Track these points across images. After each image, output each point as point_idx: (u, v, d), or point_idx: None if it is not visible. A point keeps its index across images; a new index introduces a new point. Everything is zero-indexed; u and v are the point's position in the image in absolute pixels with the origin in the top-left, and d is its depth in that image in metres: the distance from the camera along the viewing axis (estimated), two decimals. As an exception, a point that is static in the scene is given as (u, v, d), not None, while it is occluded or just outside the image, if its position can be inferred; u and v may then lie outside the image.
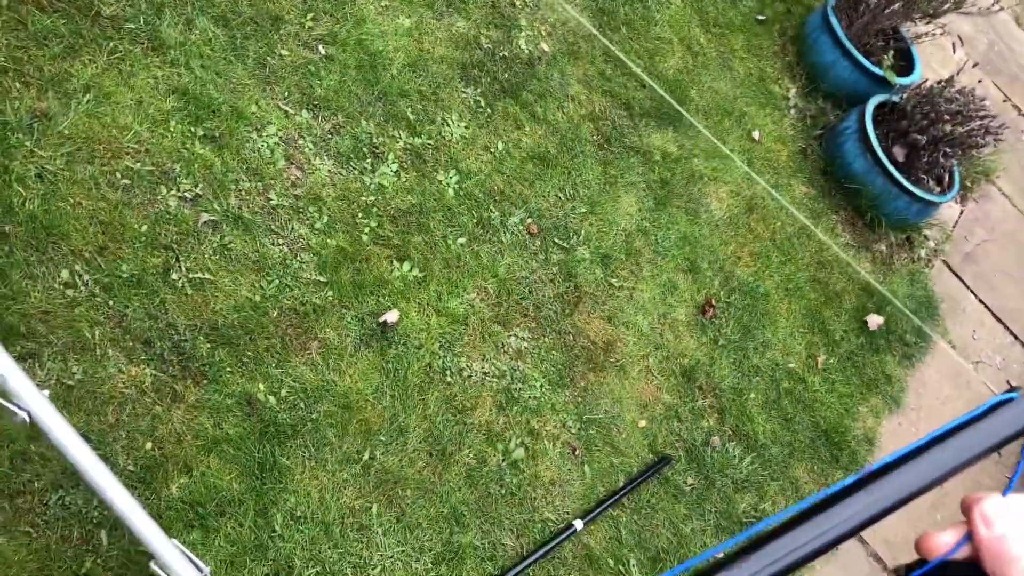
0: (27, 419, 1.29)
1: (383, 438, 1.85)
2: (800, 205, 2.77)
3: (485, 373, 2.03)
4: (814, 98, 3.03)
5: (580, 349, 2.17)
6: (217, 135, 2.00)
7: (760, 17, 3.16)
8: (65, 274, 1.73)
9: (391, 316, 1.99)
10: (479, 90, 2.43)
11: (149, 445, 1.65)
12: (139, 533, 1.42)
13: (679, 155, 2.60)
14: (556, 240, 2.29)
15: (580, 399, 2.11)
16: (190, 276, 1.83)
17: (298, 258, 1.96)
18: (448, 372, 1.99)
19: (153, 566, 1.45)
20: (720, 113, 2.80)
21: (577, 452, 2.04)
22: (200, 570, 1.50)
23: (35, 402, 1.30)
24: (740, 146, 2.77)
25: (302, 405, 1.81)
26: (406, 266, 2.07)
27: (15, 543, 1.49)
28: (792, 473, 2.29)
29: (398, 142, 2.23)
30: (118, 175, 1.86)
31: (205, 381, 1.75)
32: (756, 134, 2.83)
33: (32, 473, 1.54)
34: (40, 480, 1.54)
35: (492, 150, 2.35)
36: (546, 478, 1.97)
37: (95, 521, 1.54)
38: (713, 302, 2.40)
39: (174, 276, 1.81)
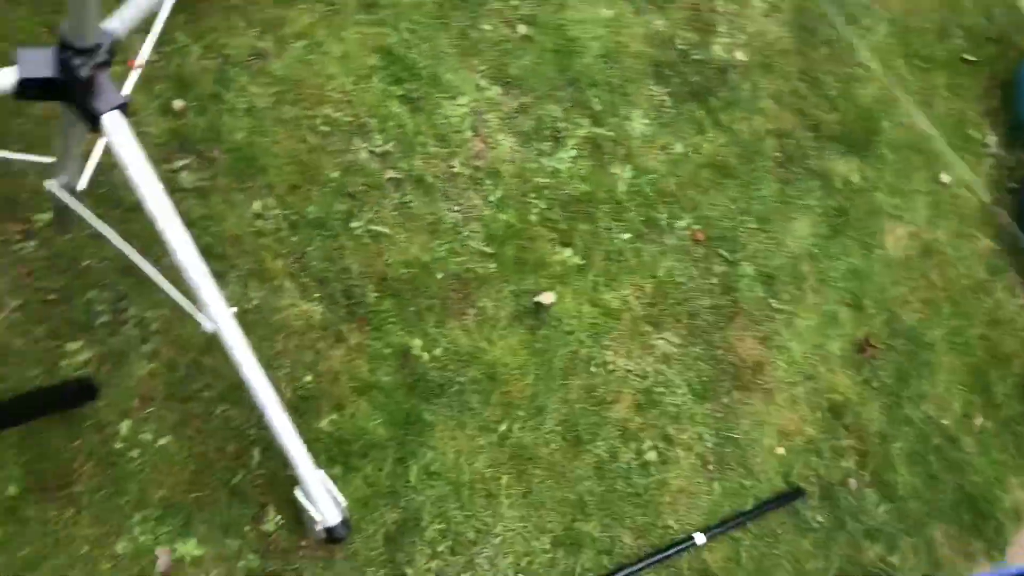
0: (213, 331, 1.38)
1: (522, 413, 1.88)
2: (981, 258, 2.63)
3: (629, 371, 2.03)
4: (1015, 149, 2.87)
5: (728, 365, 2.14)
6: (413, 97, 2.08)
7: (968, 57, 3.01)
8: (257, 205, 1.84)
9: (547, 298, 2.01)
10: (667, 90, 2.42)
11: (309, 378, 1.74)
12: (292, 458, 1.50)
13: (862, 186, 2.51)
14: (721, 251, 2.26)
15: (720, 415, 2.08)
16: (369, 227, 1.91)
17: (469, 227, 2.01)
18: (593, 363, 2.00)
19: (297, 492, 1.54)
20: (910, 149, 2.69)
21: (710, 467, 2.02)
22: (338, 504, 1.57)
23: (222, 317, 1.39)
24: (926, 187, 2.65)
25: (452, 367, 1.86)
26: (568, 252, 2.09)
27: (179, 444, 1.60)
28: (928, 532, 2.18)
29: (580, 129, 2.25)
30: (318, 121, 1.97)
31: (368, 328, 1.82)
32: (945, 177, 2.70)
33: (203, 383, 1.65)
34: (209, 391, 1.65)
35: (670, 151, 2.34)
36: (674, 486, 1.96)
37: (251, 439, 1.64)
38: (873, 342, 2.31)
39: (355, 224, 1.90)
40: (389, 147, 2.00)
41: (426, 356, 1.85)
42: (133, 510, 1.52)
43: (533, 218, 2.08)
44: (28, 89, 1.24)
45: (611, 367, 2.01)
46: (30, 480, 1.47)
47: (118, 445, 1.55)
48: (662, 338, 2.10)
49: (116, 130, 1.27)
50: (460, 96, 2.13)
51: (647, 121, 2.35)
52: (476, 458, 1.80)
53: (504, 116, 2.17)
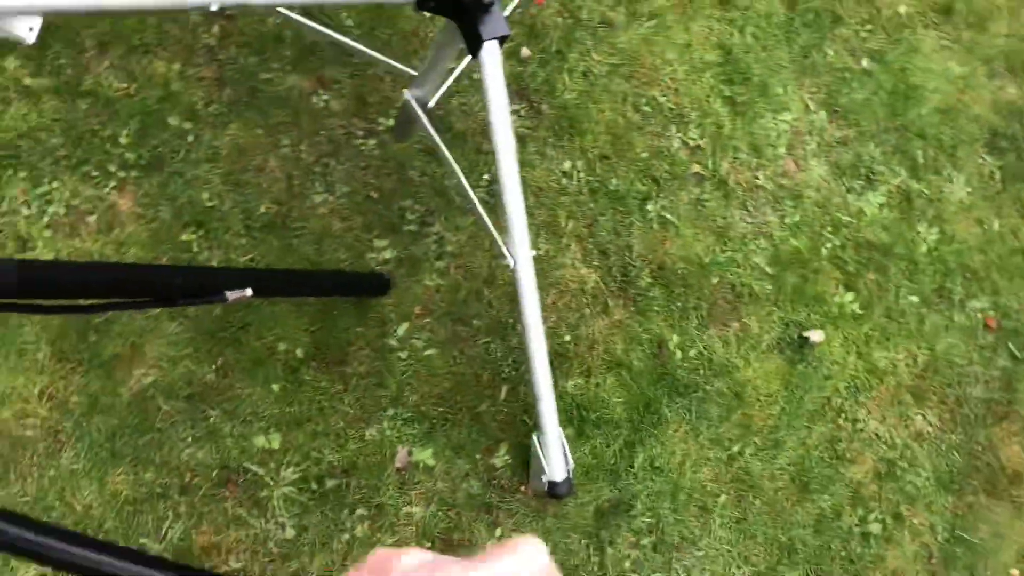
0: (511, 267, 1.45)
1: (758, 441, 1.84)
2: None
3: (878, 435, 1.93)
4: None
5: (984, 465, 1.99)
6: (739, 101, 2.06)
7: None
8: (567, 164, 1.90)
9: (815, 335, 1.95)
10: (1000, 163, 2.25)
11: (568, 337, 1.79)
12: (542, 407, 1.55)
13: None
14: (1011, 346, 2.09)
15: (960, 513, 1.93)
16: (661, 213, 1.92)
17: (757, 242, 1.98)
18: (844, 415, 1.92)
19: (534, 439, 1.59)
20: None
21: (933, 560, 1.89)
22: (568, 464, 1.61)
23: (523, 257, 1.45)
24: None
25: (701, 372, 1.85)
26: (850, 296, 2.01)
27: (442, 359, 1.70)
28: None
29: (896, 177, 2.15)
30: (643, 101, 2.00)
31: (633, 308, 1.85)
32: None
33: (477, 311, 1.74)
34: (480, 320, 1.73)
35: (986, 226, 2.18)
36: (890, 566, 1.85)
37: (503, 376, 1.71)
38: None
39: (649, 207, 1.92)
40: (702, 143, 2.00)
41: (680, 354, 1.85)
42: (388, 405, 1.64)
43: (824, 252, 2.02)
44: (427, 1, 1.33)
45: (860, 426, 1.92)
46: (315, 349, 1.62)
47: (392, 343, 1.67)
48: (921, 414, 1.98)
49: (491, 59, 1.35)
50: (784, 112, 2.09)
51: (969, 189, 2.20)
52: (701, 468, 1.79)
53: (823, 143, 2.11)
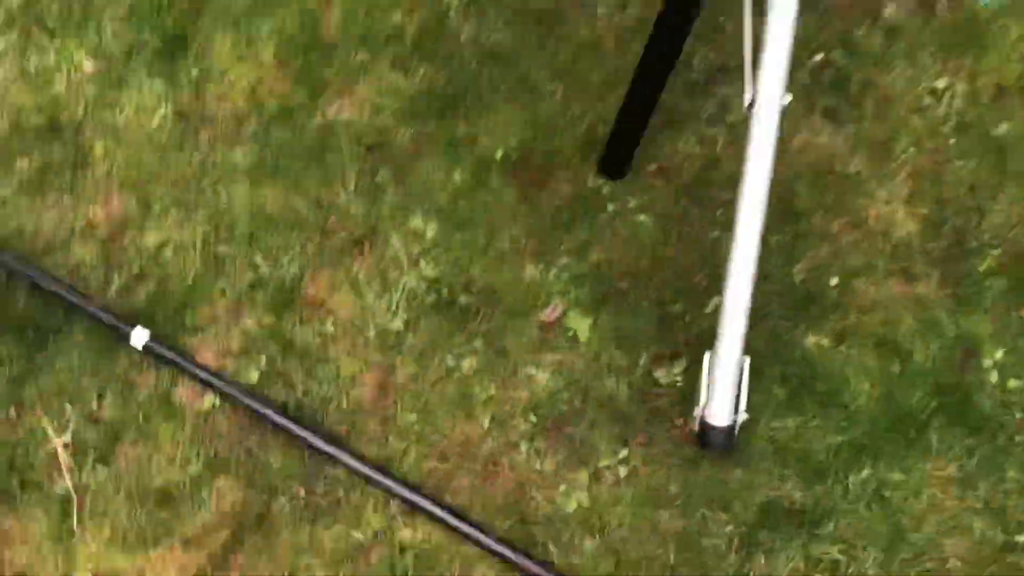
0: (747, 106, 1.08)
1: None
2: None
3: None
4: None
5: None
6: None
7: None
8: (941, 82, 1.43)
9: None
10: None
11: (834, 281, 1.35)
12: (726, 316, 1.17)
13: None
14: None
15: None
16: (1056, 190, 1.36)
17: None
18: None
19: (706, 357, 1.20)
20: None
21: None
22: (735, 409, 1.20)
23: (767, 96, 1.08)
24: None
25: (1016, 413, 1.26)
26: None
27: (654, 232, 1.37)
28: None
29: None
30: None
31: (950, 291, 1.33)
32: None
33: (724, 200, 1.36)
34: (724, 212, 1.36)
35: None
36: None
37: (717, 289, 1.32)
38: None
39: (1040, 176, 1.37)
40: None
41: (995, 376, 1.29)
42: (566, 253, 1.36)
43: None
44: None
45: None
46: (518, 157, 1.41)
47: (605, 188, 1.39)
48: None
49: None
50: None
51: None
52: (952, 533, 1.22)
53: None
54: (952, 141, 1.40)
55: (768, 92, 1.08)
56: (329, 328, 1.34)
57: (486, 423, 1.29)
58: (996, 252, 1.34)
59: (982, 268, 1.34)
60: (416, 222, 1.38)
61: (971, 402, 1.28)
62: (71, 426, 1.31)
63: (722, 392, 1.19)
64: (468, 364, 1.32)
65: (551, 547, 1.24)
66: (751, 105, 1.09)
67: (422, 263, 1.36)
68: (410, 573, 1.23)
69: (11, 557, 1.27)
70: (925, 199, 1.38)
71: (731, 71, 1.43)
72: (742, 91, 1.08)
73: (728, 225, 1.17)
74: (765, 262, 1.29)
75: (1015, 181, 1.37)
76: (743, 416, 1.21)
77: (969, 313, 1.32)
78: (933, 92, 1.43)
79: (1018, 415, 1.27)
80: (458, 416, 1.30)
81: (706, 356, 1.21)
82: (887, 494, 1.24)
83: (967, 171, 1.38)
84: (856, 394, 1.28)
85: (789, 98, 1.09)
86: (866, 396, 1.28)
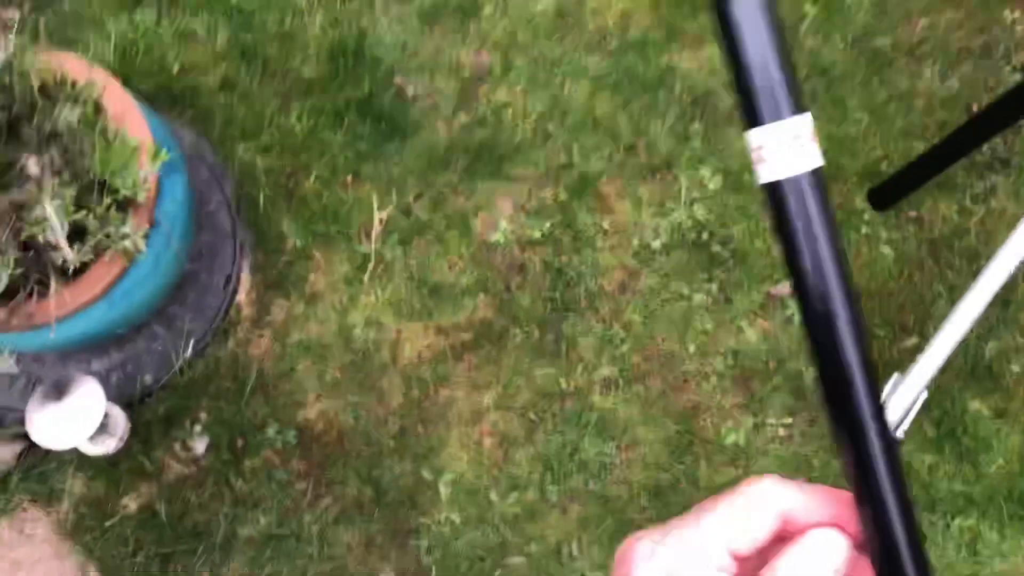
0: None
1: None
2: None
3: None
4: None
5: None
6: None
7: None
8: None
9: None
10: None
11: (1018, 368, 1.57)
12: (932, 345, 1.41)
13: None
14: None
15: None
16: None
17: None
18: None
19: (896, 374, 1.46)
20: None
21: None
22: (902, 424, 1.45)
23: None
24: None
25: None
26: None
27: (898, 264, 1.62)
28: None
29: None
30: None
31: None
32: None
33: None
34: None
35: None
36: None
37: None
38: None
39: None
40: None
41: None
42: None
43: None
44: None
45: None
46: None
47: (881, 235, 1.64)
48: None
49: None
50: None
51: None
52: (1015, 598, 1.47)
53: None
54: None
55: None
56: (605, 224, 1.66)
57: (692, 349, 1.60)
58: None
59: None
60: (705, 172, 1.67)
61: (1082, 512, 1.51)
62: (389, 208, 1.67)
63: (897, 405, 1.45)
64: (698, 299, 1.61)
65: (701, 462, 1.55)
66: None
67: (695, 206, 1.65)
68: (590, 427, 1.56)
69: (314, 280, 1.65)
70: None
71: (1011, 166, 1.65)
72: (1011, 183, 1.31)
73: (949, 286, 1.41)
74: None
75: None
76: (901, 435, 1.47)
77: (1115, 444, 1.54)
78: None
79: (1114, 539, 1.49)
80: (673, 334, 1.60)
81: (895, 375, 1.47)
82: (979, 547, 1.50)
83: None
84: (991, 461, 1.53)
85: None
86: (999, 467, 1.53)
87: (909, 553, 0.34)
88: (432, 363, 1.60)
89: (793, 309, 1.60)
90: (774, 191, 0.33)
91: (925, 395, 1.46)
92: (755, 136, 0.33)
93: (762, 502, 0.35)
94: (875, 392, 0.34)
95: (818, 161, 0.33)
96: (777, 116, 0.32)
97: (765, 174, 0.33)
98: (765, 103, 0.32)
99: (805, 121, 0.33)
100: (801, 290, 0.34)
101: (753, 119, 0.33)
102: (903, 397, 1.45)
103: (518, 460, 1.56)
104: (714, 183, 1.66)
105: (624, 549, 0.37)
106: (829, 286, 0.33)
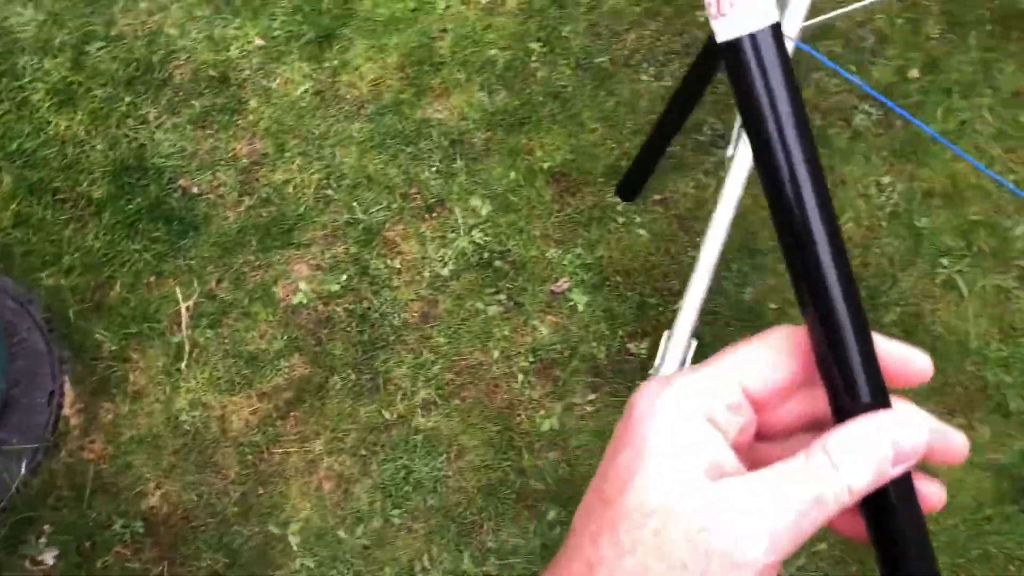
0: (730, 155, 1.54)
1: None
2: None
3: None
4: None
5: None
6: None
7: None
8: (886, 179, 1.89)
9: (1052, 493, 1.65)
10: None
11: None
12: (685, 301, 1.61)
13: None
14: None
15: None
16: (953, 276, 1.81)
17: None
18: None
19: (664, 335, 1.65)
20: None
21: None
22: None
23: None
24: None
25: None
26: None
27: (649, 244, 1.83)
28: None
29: None
30: None
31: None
32: None
33: (708, 235, 1.83)
34: (705, 241, 1.82)
35: None
36: None
37: (691, 293, 1.77)
38: None
39: (944, 263, 1.82)
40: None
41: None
42: (581, 246, 1.83)
43: None
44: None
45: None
46: (560, 169, 1.88)
47: (619, 205, 1.85)
48: None
49: None
50: None
51: None
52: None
53: None
54: (883, 223, 1.86)
55: (742, 152, 1.55)
56: (397, 264, 1.81)
57: (496, 355, 1.75)
58: (898, 309, 1.79)
59: (887, 319, 1.79)
60: (476, 201, 1.86)
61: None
62: (194, 297, 1.79)
63: (671, 359, 1.64)
64: (493, 310, 1.78)
65: (524, 453, 1.69)
66: (731, 158, 1.56)
67: (474, 232, 1.83)
68: (418, 448, 1.68)
69: (135, 379, 1.73)
70: (852, 260, 1.83)
71: (728, 139, 1.90)
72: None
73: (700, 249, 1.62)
74: (725, 281, 1.77)
75: (924, 261, 1.82)
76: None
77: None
78: (878, 184, 1.89)
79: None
80: (476, 346, 1.76)
81: (665, 334, 1.66)
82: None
83: (890, 247, 1.84)
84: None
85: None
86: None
87: (861, 363, 0.34)
88: (261, 427, 1.70)
89: (575, 300, 1.79)
90: (733, 48, 0.33)
91: (695, 343, 1.65)
92: None
93: (778, 341, 0.35)
94: (835, 231, 0.34)
95: (774, 16, 0.32)
96: None
97: (723, 31, 0.33)
98: None
99: None
100: (759, 145, 0.33)
101: None
102: (675, 350, 1.64)
103: (358, 495, 1.66)
104: (485, 209, 1.85)
105: (636, 392, 0.36)
106: (788, 143, 0.33)
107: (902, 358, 0.35)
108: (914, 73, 1.99)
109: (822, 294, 0.34)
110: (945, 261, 1.83)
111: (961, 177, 1.89)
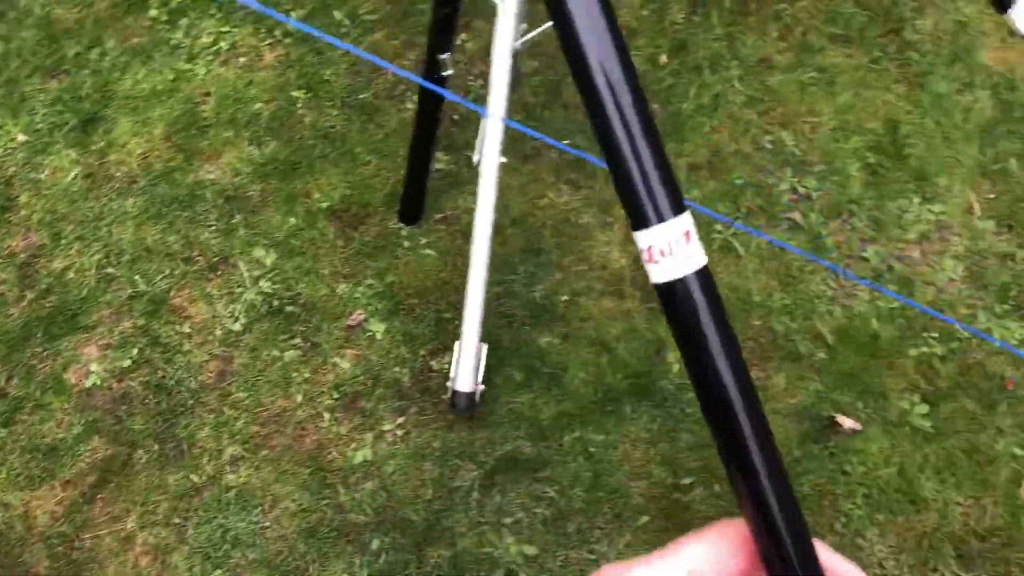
0: (476, 161, 1.59)
1: (717, 488, 1.67)
2: None
3: (882, 565, 1.62)
4: None
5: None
6: (880, 172, 1.95)
7: None
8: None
9: (849, 423, 1.73)
10: None
11: (565, 298, 1.83)
12: (467, 311, 1.64)
13: None
14: None
15: None
16: (729, 240, 1.89)
17: (828, 307, 1.83)
18: (843, 520, 1.65)
19: (456, 344, 1.67)
20: None
21: None
22: (476, 379, 1.66)
23: (489, 157, 1.59)
24: None
25: (688, 397, 1.74)
26: (923, 409, 1.74)
27: (437, 263, 1.86)
28: None
29: (1060, 320, 1.81)
30: (767, 137, 2.00)
31: (648, 307, 1.83)
32: None
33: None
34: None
35: None
36: None
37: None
38: None
39: (719, 229, 1.90)
40: (814, 194, 1.92)
41: (676, 367, 1.77)
42: (371, 276, 1.85)
43: (912, 353, 1.78)
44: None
45: (861, 543, 1.63)
46: (339, 207, 1.91)
47: (403, 231, 1.88)
48: None
49: None
50: (936, 202, 1.92)
51: None
52: (639, 478, 1.68)
53: (974, 250, 1.88)
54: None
55: (489, 154, 1.60)
56: (186, 328, 1.80)
57: (299, 399, 1.75)
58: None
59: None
60: (259, 252, 1.87)
61: (658, 386, 1.76)
62: (-17, 399, 1.74)
63: (465, 366, 1.66)
64: (290, 355, 1.78)
65: (339, 488, 1.68)
66: (479, 163, 1.61)
67: (261, 282, 1.84)
68: (231, 505, 1.66)
69: (-73, 494, 1.67)
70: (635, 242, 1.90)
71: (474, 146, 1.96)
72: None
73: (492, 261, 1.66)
74: (515, 284, 1.81)
75: (702, 232, 1.90)
76: (481, 387, 1.68)
77: (661, 322, 1.81)
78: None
79: (690, 397, 1.75)
80: (278, 393, 1.75)
81: (456, 343, 1.68)
82: (591, 450, 1.71)
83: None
84: (573, 378, 1.76)
85: (503, 159, 1.61)
86: (580, 380, 1.76)
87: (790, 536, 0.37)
88: (67, 517, 1.66)
89: (373, 329, 1.80)
90: (667, 290, 0.36)
91: (485, 347, 1.68)
92: (642, 237, 0.36)
93: (724, 534, 0.38)
94: (761, 422, 0.38)
95: (703, 260, 0.36)
96: (660, 218, 0.36)
97: (656, 275, 0.37)
98: (648, 206, 0.36)
99: (687, 220, 0.36)
100: (696, 374, 0.37)
101: (640, 222, 0.35)
102: (467, 357, 1.67)
103: (177, 563, 1.62)
104: (270, 258, 1.86)
105: (596, 573, 0.38)
106: (720, 371, 0.37)
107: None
108: (663, 59, 2.09)
109: (762, 506, 0.37)
110: (719, 227, 1.91)
111: (722, 146, 1.99)
